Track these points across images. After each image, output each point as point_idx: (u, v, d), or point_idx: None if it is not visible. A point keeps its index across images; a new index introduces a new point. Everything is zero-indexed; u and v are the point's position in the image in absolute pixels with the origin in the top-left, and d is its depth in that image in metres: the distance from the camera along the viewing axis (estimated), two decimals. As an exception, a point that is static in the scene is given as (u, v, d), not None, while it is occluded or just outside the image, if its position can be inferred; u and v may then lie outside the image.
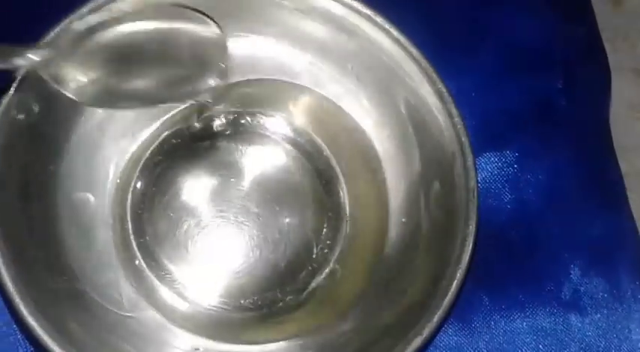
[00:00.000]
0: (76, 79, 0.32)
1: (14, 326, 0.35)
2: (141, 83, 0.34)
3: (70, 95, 0.32)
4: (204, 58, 0.34)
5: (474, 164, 0.33)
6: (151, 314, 0.35)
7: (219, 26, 0.34)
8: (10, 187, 0.32)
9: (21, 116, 0.33)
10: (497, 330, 0.37)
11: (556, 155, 0.39)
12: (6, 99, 0.32)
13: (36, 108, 0.33)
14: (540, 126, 0.40)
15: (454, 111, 0.34)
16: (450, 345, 0.36)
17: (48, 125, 0.34)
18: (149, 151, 0.37)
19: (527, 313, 0.37)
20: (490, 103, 0.40)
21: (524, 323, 0.37)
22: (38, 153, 0.34)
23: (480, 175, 0.37)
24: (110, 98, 0.33)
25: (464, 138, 0.33)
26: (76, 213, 0.35)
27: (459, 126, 0.33)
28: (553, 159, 0.39)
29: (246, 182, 0.37)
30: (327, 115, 0.38)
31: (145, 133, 0.37)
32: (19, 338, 0.35)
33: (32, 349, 0.35)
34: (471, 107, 0.35)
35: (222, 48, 0.34)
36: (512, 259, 0.38)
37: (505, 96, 0.40)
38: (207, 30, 0.33)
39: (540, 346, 0.36)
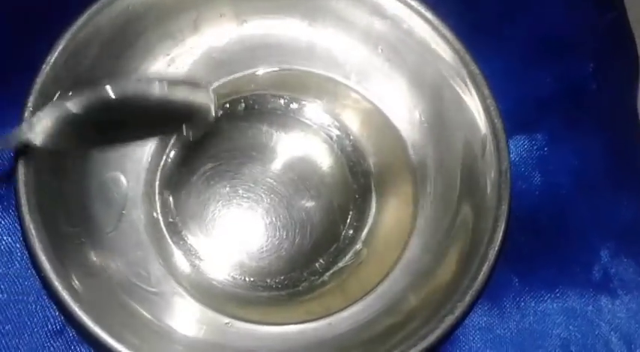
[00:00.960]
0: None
1: (43, 303, 0.35)
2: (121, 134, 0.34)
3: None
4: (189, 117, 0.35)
5: (507, 146, 0.33)
6: (178, 292, 0.35)
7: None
8: (46, 166, 0.33)
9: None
10: (528, 311, 0.37)
11: (586, 139, 0.39)
12: (39, 89, 0.32)
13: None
14: (571, 111, 0.40)
15: (487, 92, 0.34)
16: (479, 325, 0.36)
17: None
18: (177, 132, 0.37)
19: (558, 294, 0.37)
20: (521, 87, 0.40)
21: (555, 304, 0.37)
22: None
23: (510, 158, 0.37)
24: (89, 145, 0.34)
25: (497, 120, 0.33)
26: (106, 191, 0.35)
27: (491, 108, 0.33)
28: (583, 143, 0.39)
29: (274, 163, 0.37)
30: (358, 105, 0.38)
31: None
32: (48, 315, 0.35)
33: (62, 324, 0.35)
34: (502, 91, 0.35)
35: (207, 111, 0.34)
36: (542, 241, 0.38)
37: (536, 80, 0.40)
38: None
39: (570, 327, 0.36)
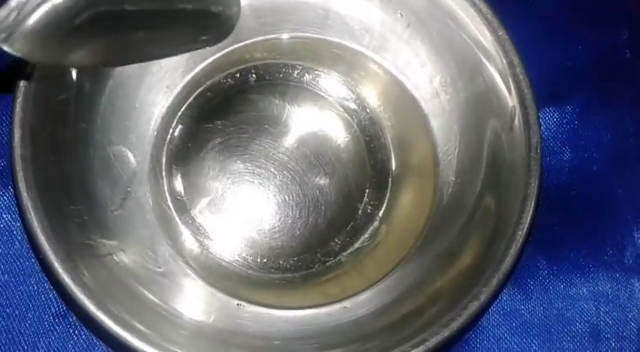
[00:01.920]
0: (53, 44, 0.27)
1: (46, 284, 0.34)
2: (131, 39, 0.30)
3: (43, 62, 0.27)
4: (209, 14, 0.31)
5: (538, 118, 0.31)
6: (187, 273, 0.34)
7: None
8: (43, 139, 0.31)
9: (51, 70, 0.31)
10: (556, 295, 0.35)
11: (620, 111, 0.38)
12: None
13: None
14: (603, 81, 0.38)
15: (516, 60, 0.32)
16: (504, 311, 0.35)
17: (78, 79, 0.33)
18: (185, 105, 0.36)
19: (588, 278, 0.36)
20: (550, 55, 0.38)
21: (585, 289, 0.36)
22: (72, 105, 0.33)
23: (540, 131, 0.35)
24: (95, 56, 0.30)
25: (526, 90, 0.32)
26: (110, 167, 0.34)
27: (521, 77, 0.32)
28: (617, 115, 0.38)
29: (287, 138, 0.36)
30: (376, 75, 0.36)
31: (181, 85, 0.36)
32: (51, 297, 0.34)
33: (65, 307, 0.34)
34: (530, 59, 0.33)
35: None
36: (572, 221, 0.36)
37: (566, 47, 0.38)
38: None
39: (601, 312, 0.35)
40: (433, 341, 0.29)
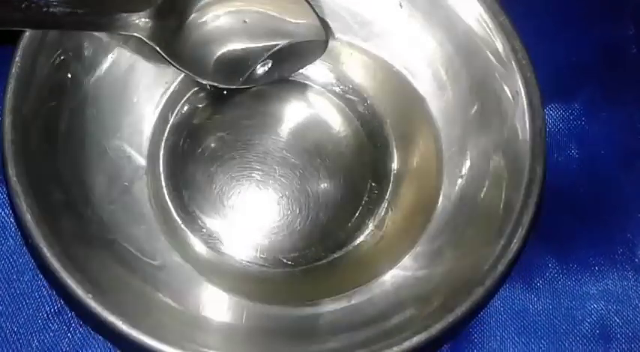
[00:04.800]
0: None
1: (40, 281, 0.33)
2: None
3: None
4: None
5: (541, 103, 0.31)
6: (184, 267, 0.33)
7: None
8: (35, 128, 0.31)
9: (45, 59, 0.31)
10: (565, 295, 0.34)
11: (627, 106, 0.37)
12: (28, 44, 0.31)
13: (60, 53, 0.32)
14: (610, 76, 0.38)
15: (518, 45, 0.31)
16: (512, 309, 0.34)
17: (74, 69, 0.32)
18: (182, 101, 0.35)
19: (598, 277, 0.35)
20: (557, 52, 0.38)
21: (594, 288, 0.34)
22: (66, 97, 0.32)
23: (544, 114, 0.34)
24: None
25: (529, 75, 0.31)
26: (105, 160, 0.33)
27: (524, 62, 0.31)
28: (624, 111, 0.37)
29: (287, 132, 0.36)
30: (376, 68, 0.36)
31: (177, 81, 0.35)
32: (45, 295, 0.33)
33: (59, 305, 0.33)
34: (536, 55, 0.32)
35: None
36: (581, 219, 0.36)
37: (573, 44, 0.38)
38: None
39: (611, 312, 0.34)
40: (437, 328, 0.28)
